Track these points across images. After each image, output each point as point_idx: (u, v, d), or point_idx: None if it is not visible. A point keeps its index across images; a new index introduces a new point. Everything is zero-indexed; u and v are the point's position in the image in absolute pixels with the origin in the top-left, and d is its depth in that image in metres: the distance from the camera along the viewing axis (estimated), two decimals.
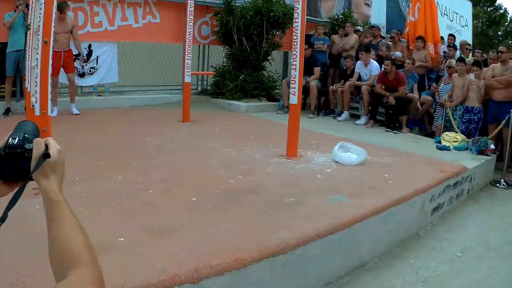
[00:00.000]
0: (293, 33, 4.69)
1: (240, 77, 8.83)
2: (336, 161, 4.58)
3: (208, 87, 9.58)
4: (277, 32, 9.31)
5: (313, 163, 4.58)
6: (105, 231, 2.71)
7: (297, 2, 4.63)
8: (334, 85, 8.49)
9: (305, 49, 8.64)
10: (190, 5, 6.59)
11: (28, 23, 5.22)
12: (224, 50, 9.55)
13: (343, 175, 4.21)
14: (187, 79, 6.92)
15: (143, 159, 4.51)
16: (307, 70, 8.47)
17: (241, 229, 2.82)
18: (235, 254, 2.45)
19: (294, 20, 4.70)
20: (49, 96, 3.27)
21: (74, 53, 7.16)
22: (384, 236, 3.41)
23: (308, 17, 11.02)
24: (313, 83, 8.32)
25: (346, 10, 11.29)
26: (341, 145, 4.77)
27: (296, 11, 4.66)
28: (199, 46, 9.61)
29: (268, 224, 2.93)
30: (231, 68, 9.17)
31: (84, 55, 7.57)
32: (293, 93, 4.74)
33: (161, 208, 3.19)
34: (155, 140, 5.47)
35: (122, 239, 2.65)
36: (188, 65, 6.86)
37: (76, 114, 7.12)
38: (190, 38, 6.76)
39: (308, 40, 8.85)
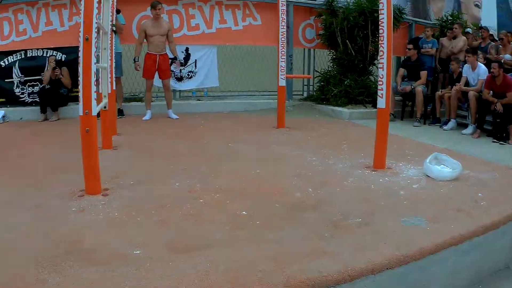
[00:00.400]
0: (379, 26, 3.99)
1: (345, 82, 8.19)
2: (427, 175, 3.79)
3: (313, 93, 9.10)
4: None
5: (400, 176, 3.83)
6: (127, 240, 2.46)
7: None
8: (440, 90, 7.54)
9: (409, 49, 7.96)
10: (282, 3, 6.18)
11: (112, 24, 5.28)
12: (329, 54, 8.98)
13: (430, 192, 3.42)
14: (281, 83, 6.49)
15: (214, 165, 4.21)
16: (413, 75, 7.69)
17: (278, 254, 2.29)
18: (253, 286, 1.94)
19: (379, 12, 4.00)
20: (93, 95, 3.04)
21: (170, 58, 7.15)
22: (464, 270, 2.59)
23: (417, 19, 10.08)
24: (419, 88, 7.43)
25: (454, 11, 10.12)
26: (434, 156, 3.95)
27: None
28: (304, 49, 9.19)
29: (314, 249, 2.35)
30: (336, 72, 8.58)
31: (181, 60, 7.52)
32: (381, 95, 4.03)
33: (202, 221, 2.79)
34: (238, 145, 5.18)
35: (139, 251, 2.32)
36: (282, 68, 6.43)
37: (175, 119, 7.15)
38: (283, 39, 6.33)
39: (416, 42, 8.00)
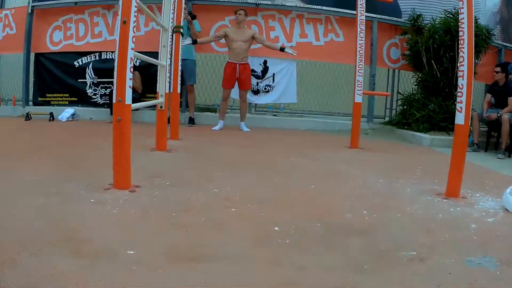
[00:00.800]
0: (459, 28, 3.43)
1: (429, 107, 7.46)
2: (507, 209, 3.11)
3: (395, 117, 8.44)
4: None
5: (475, 207, 3.16)
6: (128, 238, 2.20)
7: None
8: None
9: (496, 72, 6.99)
10: (360, 13, 5.72)
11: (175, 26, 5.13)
12: (414, 76, 8.29)
13: (507, 228, 2.74)
14: (358, 99, 6.00)
15: (266, 176, 3.86)
16: (501, 102, 6.80)
17: (295, 283, 1.84)
18: None
19: (459, 10, 3.43)
20: (128, 82, 2.81)
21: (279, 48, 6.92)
22: None
23: (506, 44, 8.94)
24: (506, 116, 6.46)
25: None
26: None
27: None
28: (388, 70, 8.58)
29: (344, 283, 1.86)
30: (420, 96, 7.89)
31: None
32: (460, 109, 3.42)
33: (222, 231, 2.41)
34: (300, 160, 4.78)
35: (132, 252, 2.02)
36: (359, 83, 5.93)
37: (247, 132, 6.93)
38: (361, 51, 5.85)
39: (505, 66, 7.10)
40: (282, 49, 6.82)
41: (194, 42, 6.86)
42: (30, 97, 8.39)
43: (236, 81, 6.95)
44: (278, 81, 7.88)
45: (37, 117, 7.60)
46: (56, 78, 8.13)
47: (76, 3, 7.97)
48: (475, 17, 7.59)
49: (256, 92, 7.86)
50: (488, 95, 7.13)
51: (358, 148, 5.86)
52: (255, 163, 4.48)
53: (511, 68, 7.56)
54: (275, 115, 8.21)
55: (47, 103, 8.14)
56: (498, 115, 6.58)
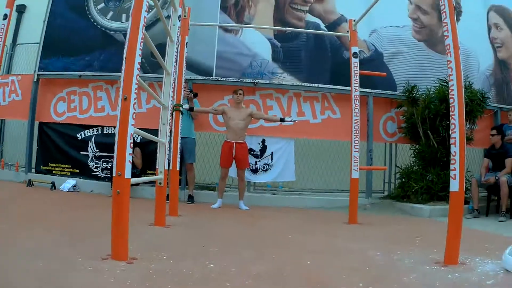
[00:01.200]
0: (450, 95, 3.59)
1: (427, 177, 7.53)
2: (507, 270, 3.09)
3: (394, 190, 8.47)
4: (465, 123, 7.87)
5: (474, 272, 3.13)
6: None
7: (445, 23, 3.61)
8: None
9: (492, 135, 7.19)
10: (355, 88, 6.02)
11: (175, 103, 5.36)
12: (411, 148, 8.43)
13: None
14: (354, 175, 6.12)
15: (264, 252, 3.84)
16: (499, 165, 6.92)
17: None
18: None
19: (446, 47, 3.59)
20: (128, 157, 2.93)
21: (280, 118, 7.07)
22: None
23: (502, 106, 9.13)
24: (504, 178, 6.57)
25: None
26: None
27: (445, 31, 3.60)
28: (385, 144, 8.75)
29: None
30: (418, 167, 7.98)
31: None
32: (453, 176, 3.50)
33: None
34: (298, 237, 4.76)
35: None
36: (356, 158, 6.08)
37: (246, 210, 6.92)
38: (356, 127, 6.06)
39: (500, 128, 7.27)
40: (282, 120, 6.99)
41: (191, 109, 7.00)
42: (33, 164, 8.55)
43: (234, 160, 7.05)
44: (277, 160, 8.02)
45: (39, 184, 7.79)
46: (59, 149, 8.34)
47: (80, 76, 8.30)
48: (469, 82, 7.99)
49: (254, 171, 7.97)
50: (486, 160, 7.22)
51: (357, 223, 5.87)
52: (252, 240, 4.47)
53: (505, 129, 7.73)
54: (273, 194, 8.24)
55: (49, 172, 8.29)
56: (496, 178, 6.64)
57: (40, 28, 8.67)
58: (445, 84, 7.72)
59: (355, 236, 4.93)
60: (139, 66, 3.01)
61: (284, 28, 8.15)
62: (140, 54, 3.05)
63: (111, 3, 8.51)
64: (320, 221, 6.21)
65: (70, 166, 8.23)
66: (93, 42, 8.39)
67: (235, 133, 6.95)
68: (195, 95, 7.40)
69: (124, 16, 8.37)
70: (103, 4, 8.52)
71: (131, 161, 2.97)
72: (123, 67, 2.95)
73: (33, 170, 8.49)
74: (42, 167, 8.38)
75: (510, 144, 7.52)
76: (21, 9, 10.33)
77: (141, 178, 4.40)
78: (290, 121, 7.01)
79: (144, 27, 3.08)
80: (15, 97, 8.75)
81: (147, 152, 7.77)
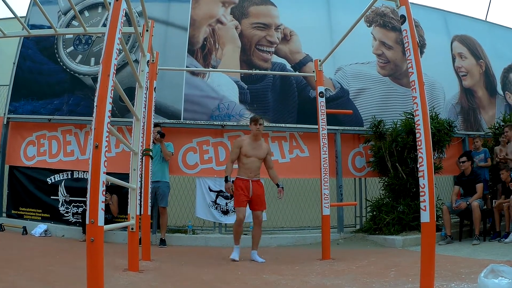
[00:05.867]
0: (416, 130, 3.71)
1: (398, 209, 7.70)
2: None
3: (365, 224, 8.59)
4: (433, 153, 8.15)
5: None
6: None
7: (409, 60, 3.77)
8: (494, 201, 7.01)
9: (462, 162, 7.44)
10: (322, 127, 6.19)
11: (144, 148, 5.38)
12: (380, 182, 8.63)
13: None
14: (325, 212, 6.20)
15: None
16: (470, 190, 7.17)
17: None
18: None
19: (411, 83, 3.72)
20: (101, 205, 2.92)
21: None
22: None
23: (469, 132, 9.56)
24: (475, 203, 6.82)
25: (506, 115, 9.62)
26: (491, 269, 3.31)
27: (410, 67, 3.74)
28: (355, 179, 8.92)
29: None
30: (388, 199, 8.15)
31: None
32: (424, 208, 3.58)
33: None
34: (272, 277, 4.64)
35: None
36: (326, 196, 6.17)
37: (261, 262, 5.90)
38: (325, 165, 6.19)
39: (469, 154, 7.58)
40: (277, 185, 6.37)
41: (227, 179, 6.11)
42: (4, 208, 8.30)
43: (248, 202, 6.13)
44: None
45: (10, 229, 7.62)
46: (29, 193, 8.15)
47: (50, 120, 8.22)
48: (435, 113, 8.27)
49: (225, 212, 7.96)
50: (456, 187, 7.43)
51: (330, 259, 5.91)
52: (226, 282, 4.42)
53: (473, 155, 8.00)
54: (245, 234, 8.19)
55: (21, 217, 8.08)
56: (468, 203, 6.84)
57: (10, 70, 8.59)
58: (411, 117, 7.92)
59: (328, 272, 4.93)
60: (109, 114, 3.04)
61: (250, 71, 8.36)
62: (111, 102, 3.08)
63: (80, 46, 8.56)
64: (293, 259, 6.18)
65: (41, 211, 8.04)
66: (62, 86, 8.38)
67: (252, 171, 6.15)
68: (162, 136, 7.40)
69: (93, 59, 8.42)
70: (72, 48, 8.56)
71: (103, 208, 2.96)
72: (94, 115, 2.97)
73: (4, 215, 8.25)
74: (13, 211, 8.17)
75: (480, 169, 7.81)
76: None
77: (114, 224, 4.34)
78: (280, 193, 6.33)
79: (114, 75, 3.14)
80: None
81: (119, 195, 7.67)
